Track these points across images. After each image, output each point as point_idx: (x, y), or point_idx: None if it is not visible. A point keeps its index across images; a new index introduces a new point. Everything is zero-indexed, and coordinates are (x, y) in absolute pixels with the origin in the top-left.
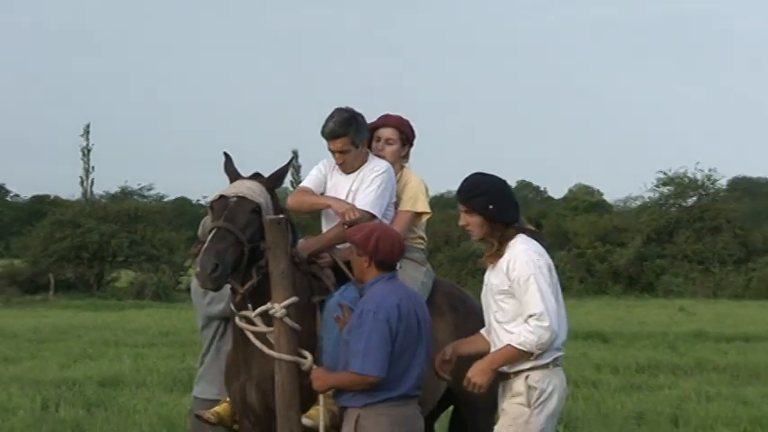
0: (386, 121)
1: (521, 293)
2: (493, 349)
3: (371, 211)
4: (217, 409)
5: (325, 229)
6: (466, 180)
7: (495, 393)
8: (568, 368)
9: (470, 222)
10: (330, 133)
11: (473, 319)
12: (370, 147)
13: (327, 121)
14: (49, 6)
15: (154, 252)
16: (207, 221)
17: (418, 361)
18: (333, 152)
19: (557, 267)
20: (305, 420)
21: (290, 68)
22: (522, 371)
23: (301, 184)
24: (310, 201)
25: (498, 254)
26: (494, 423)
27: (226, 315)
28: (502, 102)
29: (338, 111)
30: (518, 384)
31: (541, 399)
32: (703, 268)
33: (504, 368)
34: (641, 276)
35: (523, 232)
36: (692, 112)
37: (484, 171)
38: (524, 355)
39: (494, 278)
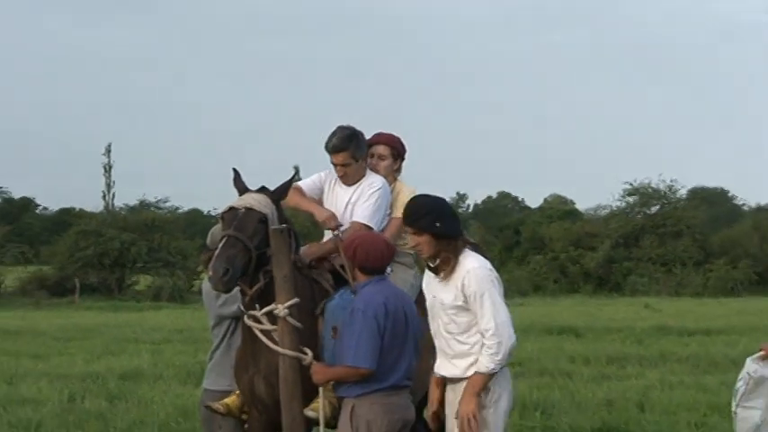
0: (378, 138)
1: (476, 308)
2: (440, 357)
3: (368, 224)
4: (226, 400)
5: (326, 237)
6: (410, 204)
7: None
8: (545, 360)
9: (420, 242)
10: (333, 148)
11: None
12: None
13: (331, 137)
14: (72, 30)
15: (169, 258)
16: (215, 231)
17: (406, 354)
18: (335, 165)
19: (534, 270)
20: (308, 413)
21: (293, 92)
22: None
23: (298, 183)
24: (297, 200)
25: (452, 268)
26: None
27: (237, 315)
28: (482, 118)
29: (340, 128)
30: None
31: (494, 398)
32: (666, 269)
33: (457, 373)
34: (610, 277)
35: (467, 245)
36: (654, 127)
37: (426, 193)
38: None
39: (446, 294)
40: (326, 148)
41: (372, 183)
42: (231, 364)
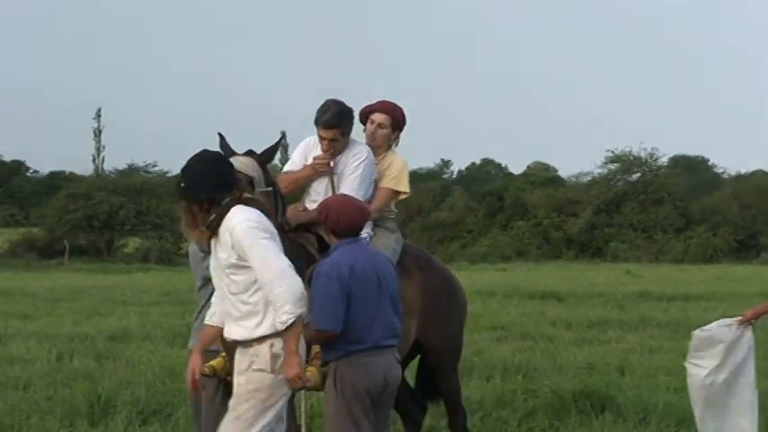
0: (382, 106)
1: (250, 262)
2: (227, 321)
3: (356, 195)
4: (212, 363)
5: (307, 203)
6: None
7: (459, 342)
8: (527, 324)
9: (180, 208)
10: (325, 123)
11: (438, 277)
12: (363, 124)
13: (324, 111)
14: None
15: (158, 221)
16: None
17: (383, 314)
18: (323, 139)
19: (517, 236)
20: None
21: (283, 58)
22: (266, 337)
23: (285, 168)
24: (292, 177)
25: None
26: (457, 369)
27: None
28: (466, 86)
29: (333, 102)
30: (262, 351)
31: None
32: (647, 236)
33: (245, 334)
34: (592, 243)
35: (244, 202)
36: (635, 95)
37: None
38: (300, 323)
39: (221, 252)
40: (317, 121)
41: (357, 153)
42: None
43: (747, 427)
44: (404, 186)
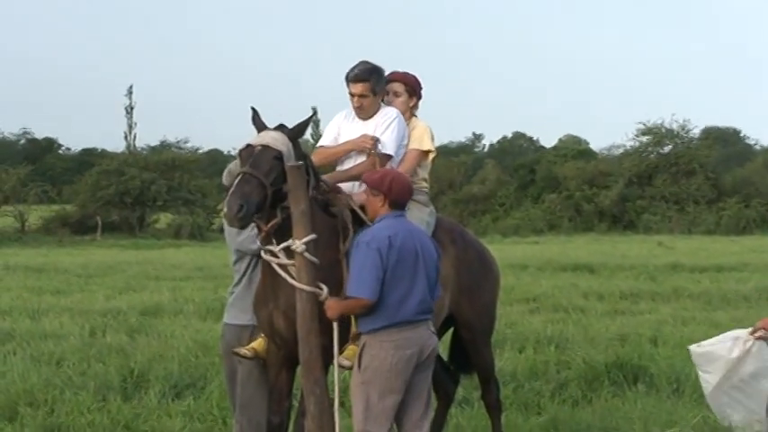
0: (392, 76)
1: None
2: None
3: (388, 152)
4: (253, 345)
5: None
6: None
7: (493, 315)
8: (559, 296)
9: None
10: (354, 77)
11: (471, 250)
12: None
13: (353, 68)
14: None
15: (189, 197)
16: (231, 167)
17: (418, 290)
18: (353, 96)
19: (549, 209)
20: (343, 361)
21: (314, 34)
22: None
23: (319, 142)
24: (329, 153)
25: None
26: (490, 342)
27: (258, 252)
28: (498, 60)
29: (363, 62)
30: None
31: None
32: (679, 208)
33: None
34: (624, 215)
35: None
36: (668, 67)
37: None
38: None
39: None
40: (347, 77)
41: (386, 113)
42: (252, 299)
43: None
44: (428, 145)
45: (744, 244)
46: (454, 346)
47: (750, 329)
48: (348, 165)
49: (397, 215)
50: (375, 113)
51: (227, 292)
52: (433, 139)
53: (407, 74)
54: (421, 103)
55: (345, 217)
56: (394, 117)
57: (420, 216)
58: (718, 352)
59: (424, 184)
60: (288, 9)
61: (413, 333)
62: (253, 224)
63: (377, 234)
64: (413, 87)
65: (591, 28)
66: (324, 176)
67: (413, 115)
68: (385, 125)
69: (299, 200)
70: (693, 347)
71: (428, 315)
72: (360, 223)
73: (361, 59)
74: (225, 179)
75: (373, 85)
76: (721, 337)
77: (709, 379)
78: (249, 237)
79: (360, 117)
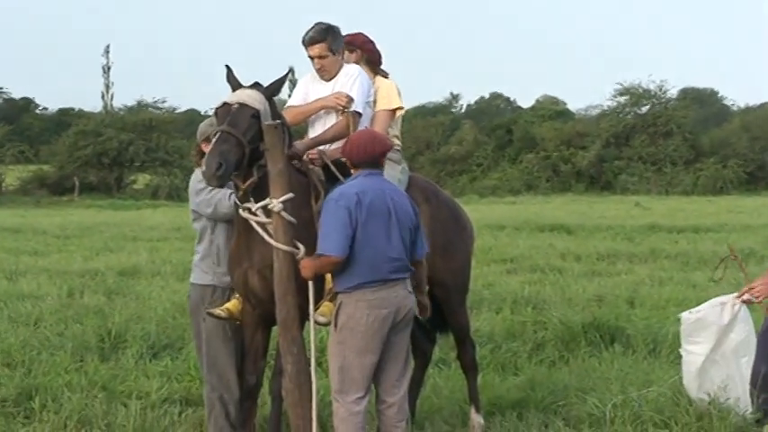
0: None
1: None
2: None
3: (358, 110)
4: (227, 305)
5: (311, 135)
6: None
7: (467, 274)
8: (536, 257)
9: None
10: (310, 40)
11: (445, 209)
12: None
13: (308, 31)
14: None
15: (167, 158)
16: (203, 126)
17: (392, 248)
18: (312, 58)
19: (526, 170)
20: (318, 318)
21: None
22: None
23: (287, 104)
24: (301, 110)
25: None
26: (465, 302)
27: (211, 217)
28: (474, 20)
29: (317, 23)
30: None
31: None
32: (656, 168)
33: None
34: (601, 176)
35: None
36: (645, 26)
37: None
38: None
39: None
40: (303, 41)
41: (348, 71)
42: (213, 259)
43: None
44: (396, 102)
45: (721, 204)
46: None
47: (736, 294)
48: (318, 127)
49: (369, 173)
50: (338, 73)
51: (194, 249)
52: (400, 94)
53: (353, 34)
54: (388, 63)
55: (316, 176)
56: (357, 74)
57: (392, 174)
58: (709, 318)
59: (397, 142)
60: None
61: (388, 293)
62: (211, 188)
63: (345, 191)
64: (350, 44)
65: None
66: (296, 143)
67: (376, 74)
68: (350, 83)
69: (276, 159)
70: (686, 314)
71: (404, 274)
72: (334, 181)
73: (316, 22)
74: (198, 136)
75: (330, 44)
76: (708, 303)
77: (698, 350)
78: (204, 200)
79: (324, 78)
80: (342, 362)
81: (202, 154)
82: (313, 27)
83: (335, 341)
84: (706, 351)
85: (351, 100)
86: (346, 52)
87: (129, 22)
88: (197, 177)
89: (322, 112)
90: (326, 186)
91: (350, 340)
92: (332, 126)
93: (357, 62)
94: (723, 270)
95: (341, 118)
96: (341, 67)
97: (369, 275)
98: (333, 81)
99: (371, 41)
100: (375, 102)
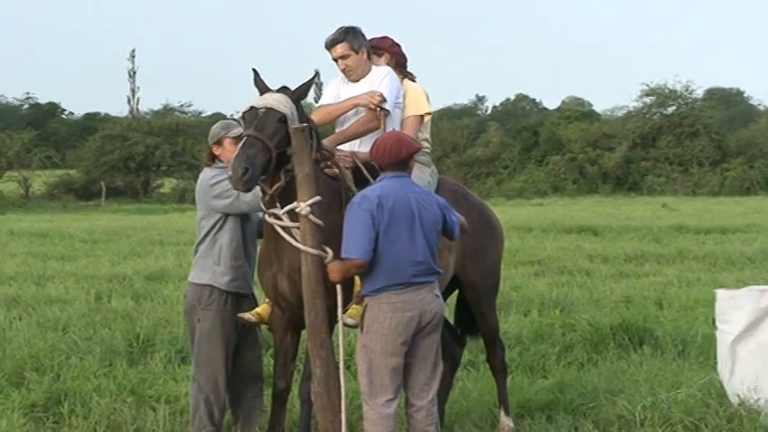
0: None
1: None
2: None
3: (384, 106)
4: (257, 309)
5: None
6: None
7: (497, 277)
8: (564, 259)
9: None
10: (331, 42)
11: (475, 212)
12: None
13: (329, 35)
14: None
15: (193, 161)
16: (214, 128)
17: (417, 251)
18: (335, 60)
19: (552, 171)
20: (346, 319)
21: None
22: None
23: (319, 103)
24: (332, 109)
25: None
26: (495, 304)
27: (227, 211)
28: (500, 22)
29: (338, 27)
30: None
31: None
32: (683, 169)
33: None
34: (628, 177)
35: None
36: (671, 27)
37: None
38: None
39: None
40: (325, 45)
41: (378, 72)
42: (214, 259)
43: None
44: (424, 107)
45: (748, 205)
46: (459, 309)
47: None
48: (347, 125)
49: (394, 176)
50: (367, 73)
51: (193, 249)
52: (428, 98)
53: (379, 38)
54: (414, 66)
55: (347, 179)
56: (387, 73)
57: (421, 176)
58: (744, 299)
59: (426, 145)
60: None
61: (412, 296)
62: (217, 183)
63: (367, 195)
64: (377, 47)
65: None
66: (323, 140)
67: (404, 76)
68: (379, 81)
69: (303, 162)
70: (722, 291)
71: (430, 277)
72: (365, 184)
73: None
74: (209, 138)
75: (350, 42)
76: (748, 287)
77: (728, 329)
78: (223, 192)
79: (351, 79)
80: (369, 365)
81: (213, 156)
82: (334, 31)
83: (362, 344)
84: (737, 331)
85: (384, 99)
86: (374, 56)
87: (155, 27)
88: (209, 174)
89: (352, 111)
90: (357, 189)
91: (375, 343)
92: (356, 120)
93: (386, 65)
94: None
95: (368, 113)
96: (370, 68)
97: (392, 278)
98: (363, 81)
99: (398, 44)
100: (404, 106)
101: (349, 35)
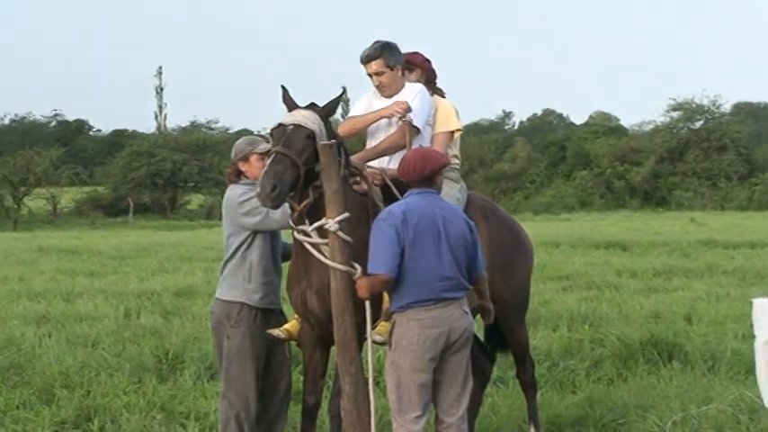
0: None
1: None
2: None
3: (416, 124)
4: (286, 326)
5: (369, 146)
6: None
7: (527, 292)
8: (592, 274)
9: None
10: (366, 57)
11: (504, 227)
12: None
13: (365, 50)
14: None
15: (221, 178)
16: (238, 145)
17: (443, 267)
18: (370, 76)
19: (580, 186)
20: (375, 337)
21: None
22: None
23: (349, 115)
24: (357, 121)
25: None
26: (525, 320)
27: (256, 228)
28: (529, 36)
29: (374, 41)
30: None
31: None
32: (711, 183)
33: None
34: (656, 192)
35: None
36: (698, 41)
37: None
38: None
39: None
40: (361, 59)
41: (411, 88)
42: (244, 276)
43: None
44: (455, 124)
45: None
46: (489, 325)
47: None
48: (378, 140)
49: (420, 192)
50: (400, 90)
51: (220, 265)
52: (457, 115)
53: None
54: (442, 81)
55: (375, 195)
56: (419, 90)
57: (450, 192)
58: None
59: (455, 161)
60: None
61: (441, 312)
62: (246, 200)
63: (393, 211)
64: (410, 62)
65: (621, 3)
66: (352, 157)
67: (434, 92)
68: (411, 96)
69: (331, 179)
70: (757, 300)
71: (459, 293)
72: (393, 200)
73: (374, 40)
74: (233, 155)
75: (386, 59)
76: None
77: (763, 335)
78: (252, 209)
79: (384, 95)
80: (397, 381)
81: (238, 172)
82: (369, 45)
83: (390, 360)
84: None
85: (409, 109)
86: (406, 71)
87: (182, 43)
88: (237, 191)
89: (383, 123)
90: (385, 206)
91: (402, 359)
92: (387, 137)
93: (418, 81)
94: None
95: (398, 130)
96: (403, 85)
97: (420, 294)
98: (395, 97)
99: (428, 60)
100: (434, 122)
101: (385, 52)
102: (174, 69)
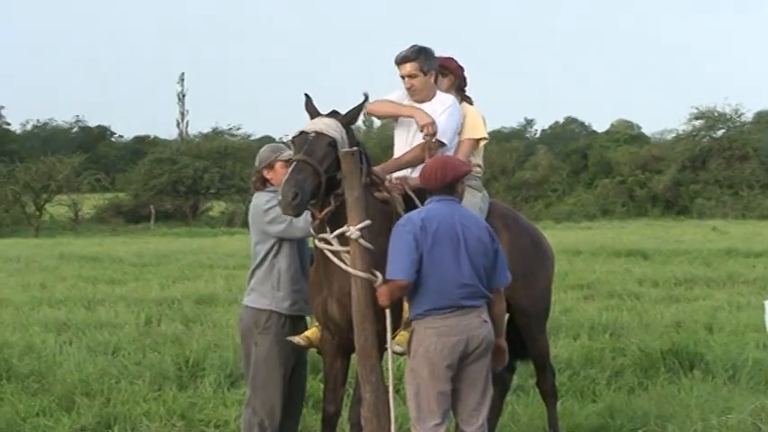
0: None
1: None
2: None
3: (442, 140)
4: (307, 333)
5: (396, 139)
6: None
7: (548, 301)
8: (613, 283)
9: None
10: (402, 59)
11: (525, 236)
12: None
13: (402, 51)
14: None
15: (242, 185)
16: (262, 152)
17: (462, 274)
18: (403, 77)
19: (602, 194)
20: (395, 347)
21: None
22: None
23: (385, 96)
24: (393, 108)
25: None
26: (545, 329)
27: (281, 236)
28: (548, 45)
29: (411, 45)
30: None
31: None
32: (733, 192)
33: None
34: (677, 200)
35: None
36: (720, 50)
37: None
38: None
39: None
40: (396, 60)
41: (443, 100)
42: (273, 283)
43: None
44: (481, 132)
45: None
46: (510, 333)
47: None
48: (402, 134)
49: (440, 199)
50: (432, 97)
51: (248, 273)
52: (485, 123)
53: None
54: (468, 87)
55: (397, 203)
56: (451, 104)
57: (472, 201)
58: None
59: (478, 170)
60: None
61: (459, 320)
62: (271, 208)
63: (412, 217)
64: (444, 68)
65: (642, 11)
66: (375, 168)
67: (463, 99)
68: (440, 110)
69: (353, 186)
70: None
71: (478, 301)
72: (414, 209)
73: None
74: (257, 163)
75: (421, 64)
76: None
77: None
78: (278, 217)
79: (414, 100)
80: (416, 389)
81: (263, 180)
82: (407, 48)
83: (409, 368)
84: None
85: (435, 132)
86: (439, 77)
87: (204, 50)
88: (262, 199)
89: (413, 125)
90: (407, 213)
91: (421, 367)
92: (410, 150)
93: (450, 87)
94: None
95: (421, 144)
96: (435, 93)
97: (438, 301)
98: (426, 104)
99: (462, 67)
100: (461, 130)
101: (421, 56)
102: (197, 76)
